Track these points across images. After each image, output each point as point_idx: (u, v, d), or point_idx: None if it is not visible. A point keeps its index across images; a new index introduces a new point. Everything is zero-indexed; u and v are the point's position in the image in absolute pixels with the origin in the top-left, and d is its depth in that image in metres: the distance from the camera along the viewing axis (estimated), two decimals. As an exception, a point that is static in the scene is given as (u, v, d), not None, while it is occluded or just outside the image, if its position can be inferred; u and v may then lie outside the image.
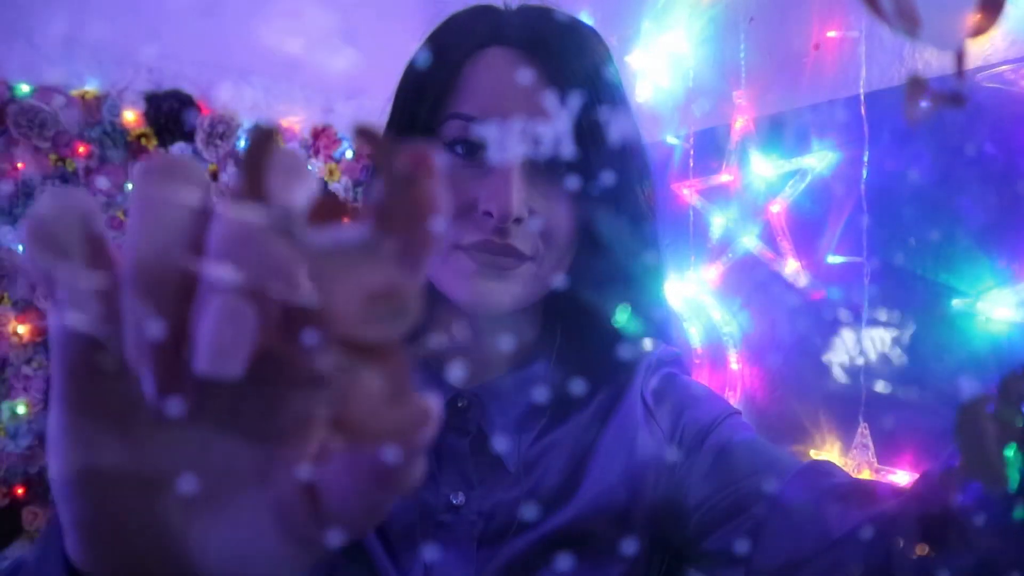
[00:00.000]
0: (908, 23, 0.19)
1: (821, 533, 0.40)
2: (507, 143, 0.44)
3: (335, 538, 0.21)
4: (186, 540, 0.21)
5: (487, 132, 0.46)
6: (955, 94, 0.19)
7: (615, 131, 0.48)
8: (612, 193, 0.50)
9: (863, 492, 0.41)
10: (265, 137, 0.17)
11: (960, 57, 0.20)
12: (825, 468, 0.47)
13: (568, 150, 0.47)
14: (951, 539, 0.29)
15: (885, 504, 0.37)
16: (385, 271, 0.17)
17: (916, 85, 0.20)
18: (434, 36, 0.53)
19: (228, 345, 0.16)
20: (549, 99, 0.45)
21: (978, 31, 0.20)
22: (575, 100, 0.46)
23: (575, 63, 0.48)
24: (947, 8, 0.20)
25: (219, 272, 0.17)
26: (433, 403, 0.18)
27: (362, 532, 0.20)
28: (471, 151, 0.48)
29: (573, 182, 0.48)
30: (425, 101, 0.49)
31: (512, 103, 0.47)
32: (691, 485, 0.51)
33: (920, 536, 0.31)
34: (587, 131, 0.47)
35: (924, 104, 0.20)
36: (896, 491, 0.39)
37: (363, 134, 0.17)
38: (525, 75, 0.47)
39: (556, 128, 0.45)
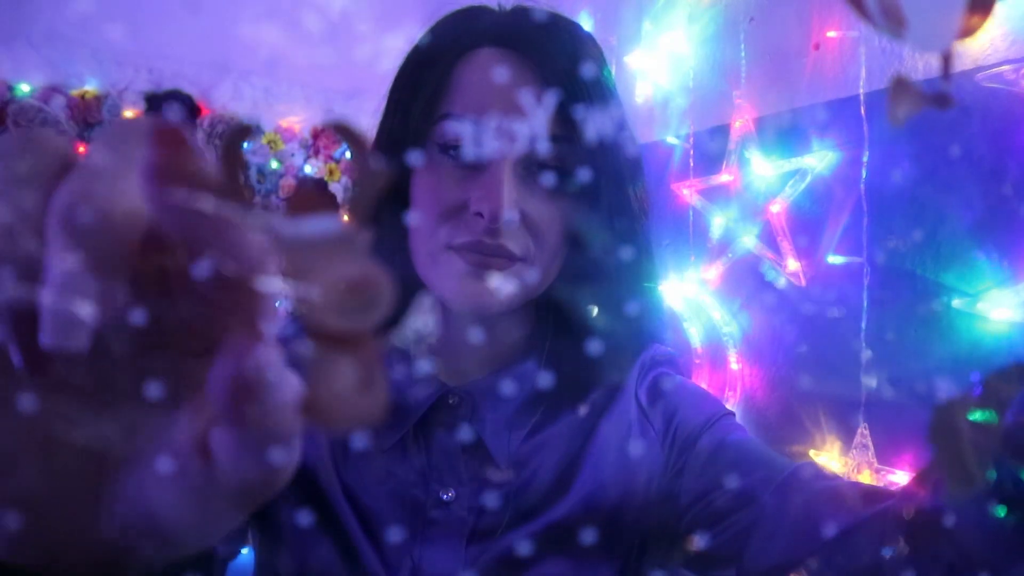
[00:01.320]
0: (894, 24, 0.19)
1: (810, 535, 0.40)
2: (498, 143, 0.44)
3: (237, 502, 0.20)
4: (89, 507, 0.21)
5: (478, 133, 0.46)
6: (940, 95, 0.19)
7: (606, 132, 0.48)
8: (604, 194, 0.50)
9: (853, 494, 0.41)
10: (240, 132, 0.18)
11: (947, 59, 0.20)
12: (816, 471, 0.47)
13: (559, 151, 0.47)
14: (938, 540, 0.29)
15: (874, 506, 0.38)
16: (358, 263, 0.17)
17: (900, 86, 0.20)
18: (427, 36, 0.53)
19: (65, 320, 0.16)
20: (541, 100, 0.45)
21: (966, 33, 0.19)
22: (566, 102, 0.46)
23: (567, 65, 0.48)
24: (935, 10, 0.19)
25: (54, 245, 0.17)
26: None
27: (260, 496, 0.20)
28: (460, 150, 0.48)
29: (564, 183, 0.48)
30: (418, 101, 0.49)
31: (504, 104, 0.47)
32: (683, 485, 0.51)
33: (908, 537, 0.31)
34: (578, 132, 0.47)
35: (909, 105, 0.20)
36: (886, 494, 0.40)
37: (341, 130, 0.18)
38: (517, 76, 0.47)
39: (547, 129, 0.45)
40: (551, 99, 0.45)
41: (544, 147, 0.46)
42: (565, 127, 0.46)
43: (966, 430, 0.21)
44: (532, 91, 0.47)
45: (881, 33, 0.20)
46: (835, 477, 0.46)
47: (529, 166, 0.48)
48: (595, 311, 0.53)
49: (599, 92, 0.49)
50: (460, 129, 0.47)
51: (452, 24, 0.53)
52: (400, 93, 0.52)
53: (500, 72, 0.48)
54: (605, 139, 0.49)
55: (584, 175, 0.48)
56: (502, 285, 0.49)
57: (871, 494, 0.40)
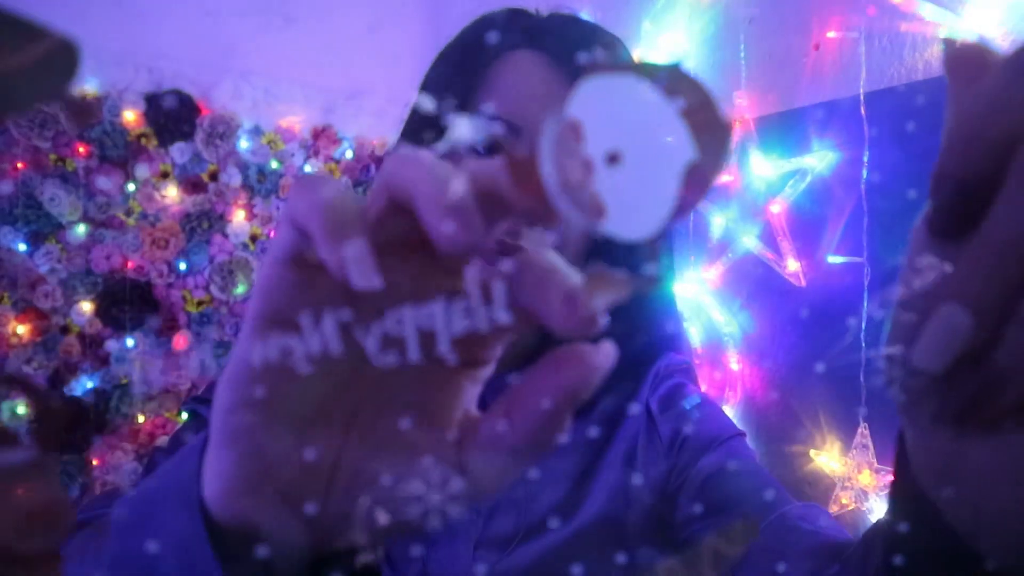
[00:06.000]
0: (589, 212, 0.18)
1: None
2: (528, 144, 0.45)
3: (470, 494, 0.22)
4: (333, 483, 0.23)
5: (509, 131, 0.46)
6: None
7: None
8: None
9: (834, 547, 0.40)
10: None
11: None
12: (804, 513, 0.46)
13: None
14: None
15: (849, 561, 0.37)
16: (43, 490, 0.19)
17: (596, 280, 0.21)
18: (465, 33, 0.54)
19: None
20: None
21: (682, 211, 0.18)
22: None
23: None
24: (644, 190, 0.18)
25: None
26: None
27: (494, 491, 0.22)
28: (492, 150, 0.48)
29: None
30: (451, 96, 0.50)
31: (538, 106, 0.47)
32: (680, 501, 0.51)
33: None
34: None
35: (609, 294, 0.21)
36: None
37: (14, 384, 0.20)
38: (551, 79, 0.48)
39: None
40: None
41: None
42: None
43: None
44: (565, 94, 0.47)
45: (574, 224, 0.18)
46: (827, 521, 0.45)
47: None
48: (613, 316, 0.53)
49: None
50: (493, 127, 0.48)
51: (491, 24, 0.54)
52: (434, 86, 0.53)
53: (537, 74, 0.48)
54: None
55: None
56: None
57: (849, 546, 0.39)
